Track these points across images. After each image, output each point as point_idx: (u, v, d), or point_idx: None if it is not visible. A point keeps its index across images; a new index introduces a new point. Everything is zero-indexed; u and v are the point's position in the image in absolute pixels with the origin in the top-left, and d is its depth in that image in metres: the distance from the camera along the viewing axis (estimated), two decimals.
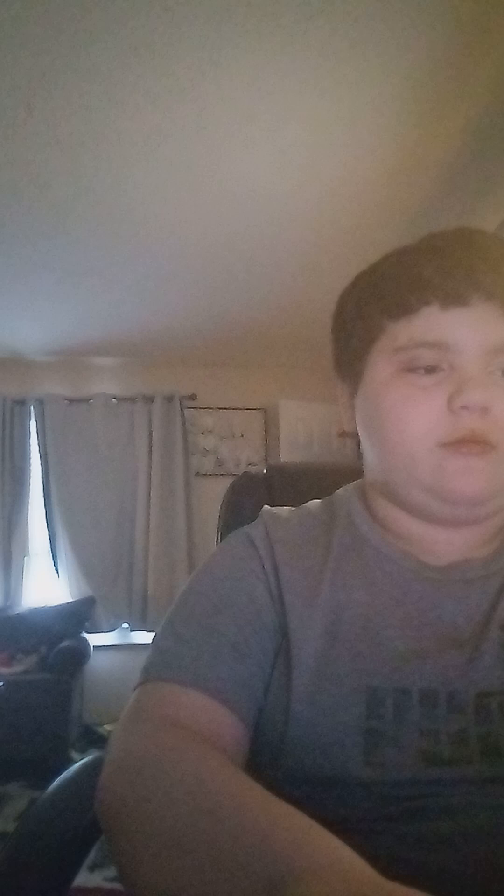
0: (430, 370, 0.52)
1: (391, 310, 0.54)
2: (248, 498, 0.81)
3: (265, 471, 0.88)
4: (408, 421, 0.52)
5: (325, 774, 0.48)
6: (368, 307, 0.56)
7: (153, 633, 0.56)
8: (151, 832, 0.35)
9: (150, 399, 3.80)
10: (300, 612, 0.54)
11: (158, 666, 0.51)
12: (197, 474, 3.85)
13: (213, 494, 3.13)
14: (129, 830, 0.37)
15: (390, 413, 0.53)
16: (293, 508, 0.66)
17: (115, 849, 0.38)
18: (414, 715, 0.48)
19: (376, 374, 0.56)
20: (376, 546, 0.58)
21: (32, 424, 3.71)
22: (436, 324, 0.51)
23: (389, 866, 0.30)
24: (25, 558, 3.69)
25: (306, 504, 0.67)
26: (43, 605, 3.53)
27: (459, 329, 0.51)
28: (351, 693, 0.49)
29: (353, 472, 0.68)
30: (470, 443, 0.50)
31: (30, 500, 3.69)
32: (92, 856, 0.59)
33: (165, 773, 0.39)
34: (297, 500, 0.69)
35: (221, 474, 3.80)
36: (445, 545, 0.57)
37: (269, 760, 0.51)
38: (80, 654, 3.22)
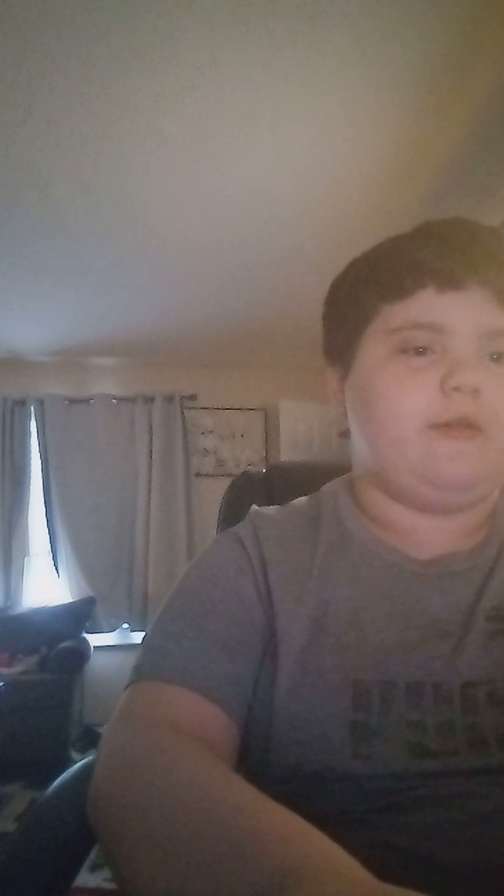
0: (423, 352, 0.52)
1: (386, 292, 0.54)
2: (247, 497, 0.81)
3: (265, 470, 0.88)
4: (399, 401, 0.52)
5: (313, 769, 0.48)
6: (363, 290, 0.57)
7: (142, 642, 0.56)
8: (144, 835, 0.35)
9: (150, 399, 3.80)
10: (288, 609, 0.55)
11: (149, 665, 0.51)
12: (197, 474, 3.85)
13: (213, 494, 3.13)
14: (122, 833, 0.37)
15: (382, 393, 0.54)
16: (280, 507, 0.66)
17: (109, 851, 0.37)
18: (400, 707, 0.48)
19: (369, 355, 0.56)
20: (362, 542, 0.59)
21: (32, 424, 3.71)
22: (431, 306, 0.52)
23: (379, 855, 0.29)
24: (25, 558, 3.69)
25: (293, 501, 0.67)
26: (43, 605, 3.53)
27: (454, 312, 0.52)
28: (336, 686, 0.49)
29: None
30: (460, 426, 0.51)
31: (30, 500, 3.69)
32: (92, 856, 0.59)
33: (157, 774, 0.39)
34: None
35: (221, 474, 3.80)
36: (432, 535, 0.57)
37: (258, 758, 0.51)
38: (80, 654, 3.22)
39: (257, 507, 0.67)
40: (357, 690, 0.49)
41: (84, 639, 3.42)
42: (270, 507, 0.67)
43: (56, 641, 3.22)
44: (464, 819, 0.44)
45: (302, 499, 0.68)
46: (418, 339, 0.52)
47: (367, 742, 0.47)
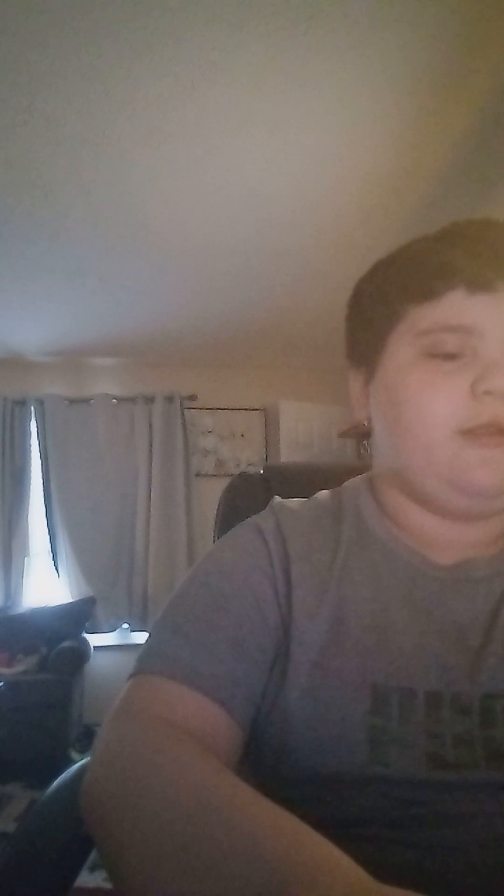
0: (453, 356, 0.51)
1: (415, 294, 0.53)
2: (245, 498, 0.81)
3: (262, 471, 0.88)
4: (428, 406, 0.51)
5: (329, 772, 0.47)
6: (390, 292, 0.55)
7: (150, 630, 0.55)
8: (140, 835, 0.34)
9: (150, 399, 3.80)
10: (308, 607, 0.53)
11: (154, 658, 0.50)
12: (197, 474, 3.85)
13: (213, 495, 3.12)
14: (118, 833, 0.36)
15: (410, 398, 0.52)
16: (303, 500, 0.65)
17: (103, 850, 0.36)
18: (419, 716, 0.47)
19: (396, 359, 0.55)
20: (383, 542, 0.58)
21: (32, 424, 3.71)
22: (461, 309, 0.50)
23: (398, 874, 0.29)
24: (25, 558, 3.69)
25: (316, 495, 0.66)
26: (43, 605, 3.53)
27: (485, 314, 0.50)
28: (355, 689, 0.49)
29: (353, 472, 0.67)
30: (491, 433, 0.49)
31: (30, 500, 3.69)
32: (92, 856, 0.59)
33: (155, 774, 0.38)
34: None
35: (221, 475, 3.81)
36: (454, 540, 0.56)
37: (271, 760, 0.51)
38: (80, 654, 3.22)
39: (280, 500, 0.65)
40: (376, 695, 0.48)
41: (84, 639, 3.42)
42: (293, 499, 0.65)
43: (56, 641, 3.22)
44: (485, 840, 0.44)
45: (324, 493, 0.66)
46: (448, 342, 0.51)
47: (384, 748, 0.46)
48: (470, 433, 0.50)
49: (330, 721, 0.48)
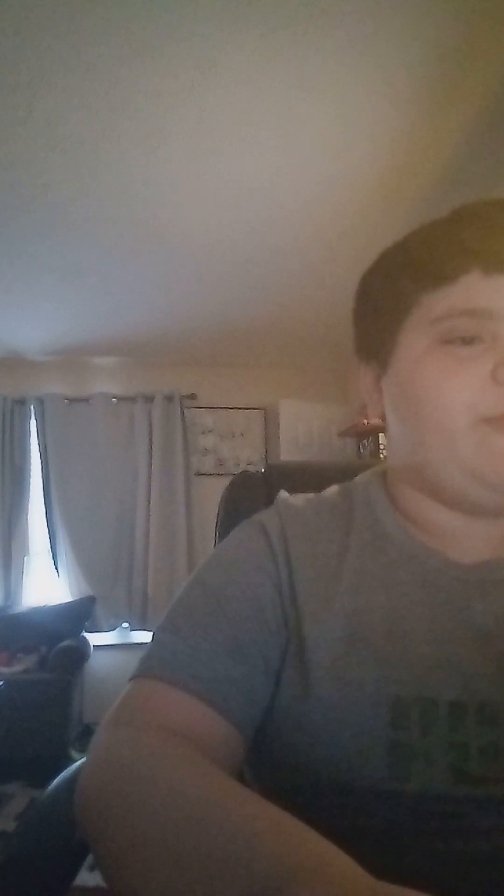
0: (470, 341, 0.49)
1: (427, 280, 0.50)
2: (246, 497, 0.81)
3: (263, 469, 0.88)
4: (447, 394, 0.49)
5: (344, 783, 0.46)
6: (400, 280, 0.53)
7: (153, 633, 0.54)
8: (138, 839, 0.34)
9: (150, 399, 3.80)
10: (316, 614, 0.52)
11: (152, 661, 0.50)
12: (197, 474, 3.85)
13: (214, 494, 3.12)
14: (114, 837, 0.35)
15: (428, 388, 0.50)
16: (310, 497, 0.62)
17: (99, 855, 0.36)
18: (442, 727, 0.46)
19: (410, 349, 0.52)
20: (400, 543, 0.55)
21: (32, 424, 3.71)
22: (477, 291, 0.48)
23: (418, 884, 0.28)
24: (25, 558, 3.69)
25: (324, 492, 0.63)
26: (43, 605, 3.53)
27: (503, 296, 0.48)
28: (374, 702, 0.47)
29: (353, 471, 0.67)
30: None
31: (30, 500, 3.69)
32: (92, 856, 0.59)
33: (150, 778, 0.38)
34: None
35: (221, 474, 3.81)
36: (475, 539, 0.54)
37: (280, 769, 0.49)
38: (80, 653, 3.22)
39: (286, 495, 0.63)
40: (396, 707, 0.46)
41: (84, 638, 3.42)
42: (299, 496, 0.63)
43: (56, 641, 3.22)
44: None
45: (333, 488, 0.64)
46: (465, 327, 0.48)
47: (405, 763, 0.45)
48: (495, 421, 0.47)
49: (347, 735, 0.46)
